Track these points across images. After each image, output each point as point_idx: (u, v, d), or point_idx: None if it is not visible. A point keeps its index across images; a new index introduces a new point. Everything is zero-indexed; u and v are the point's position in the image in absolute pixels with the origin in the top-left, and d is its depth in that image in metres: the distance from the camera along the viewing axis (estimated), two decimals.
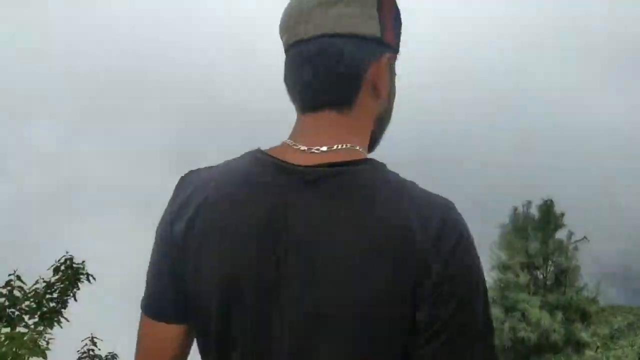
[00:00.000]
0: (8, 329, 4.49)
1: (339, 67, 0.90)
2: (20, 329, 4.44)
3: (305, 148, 0.90)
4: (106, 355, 6.30)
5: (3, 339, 4.31)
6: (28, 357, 4.48)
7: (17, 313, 5.23)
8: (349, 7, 0.91)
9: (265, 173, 0.90)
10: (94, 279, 5.94)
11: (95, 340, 6.13)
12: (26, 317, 5.35)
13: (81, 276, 5.85)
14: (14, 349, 4.28)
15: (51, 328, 5.40)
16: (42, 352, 4.19)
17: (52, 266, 5.84)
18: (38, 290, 5.55)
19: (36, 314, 5.42)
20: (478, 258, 0.85)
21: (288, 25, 0.94)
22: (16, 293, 5.32)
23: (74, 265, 5.88)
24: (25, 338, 4.24)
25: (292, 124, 0.96)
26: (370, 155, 0.93)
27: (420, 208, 0.83)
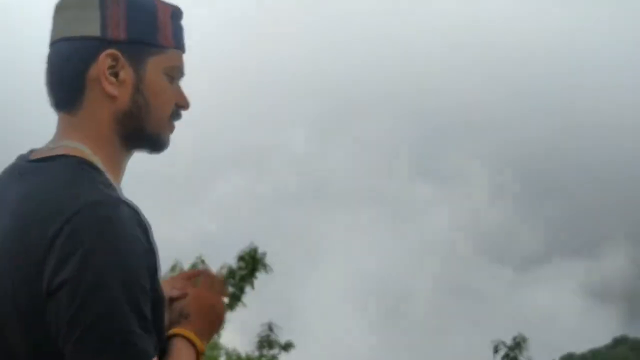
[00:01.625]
0: None
1: (60, 71, 0.98)
2: None
3: (45, 146, 1.00)
4: (286, 342, 6.66)
5: None
6: None
7: None
8: (69, 11, 0.98)
9: (7, 171, 1.01)
10: (271, 269, 6.38)
11: (272, 326, 6.46)
12: None
13: (260, 266, 6.27)
14: None
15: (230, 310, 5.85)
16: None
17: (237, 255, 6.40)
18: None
19: None
20: (101, 267, 0.84)
21: None
22: None
23: (257, 255, 6.30)
24: None
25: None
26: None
27: (54, 210, 0.87)
